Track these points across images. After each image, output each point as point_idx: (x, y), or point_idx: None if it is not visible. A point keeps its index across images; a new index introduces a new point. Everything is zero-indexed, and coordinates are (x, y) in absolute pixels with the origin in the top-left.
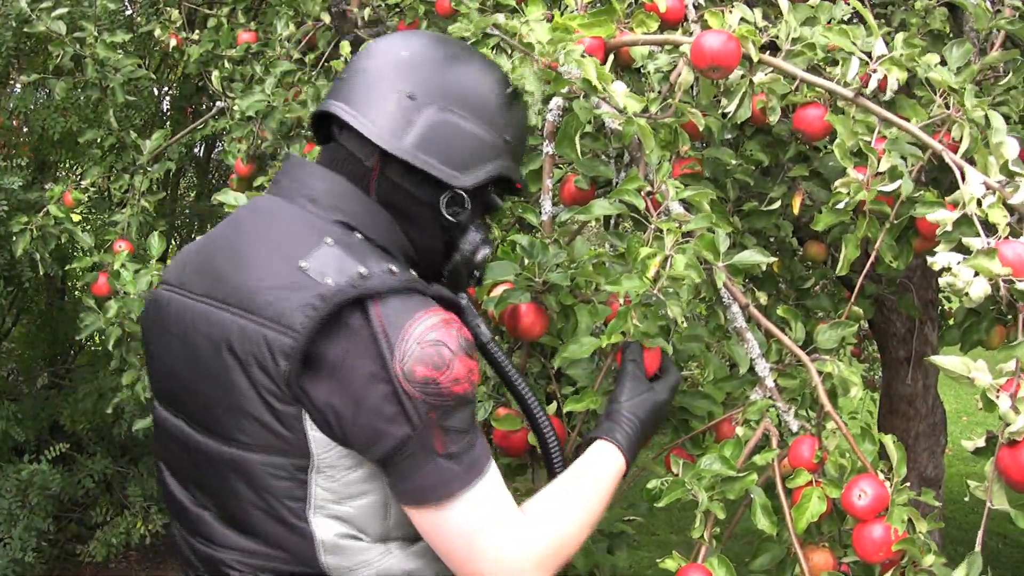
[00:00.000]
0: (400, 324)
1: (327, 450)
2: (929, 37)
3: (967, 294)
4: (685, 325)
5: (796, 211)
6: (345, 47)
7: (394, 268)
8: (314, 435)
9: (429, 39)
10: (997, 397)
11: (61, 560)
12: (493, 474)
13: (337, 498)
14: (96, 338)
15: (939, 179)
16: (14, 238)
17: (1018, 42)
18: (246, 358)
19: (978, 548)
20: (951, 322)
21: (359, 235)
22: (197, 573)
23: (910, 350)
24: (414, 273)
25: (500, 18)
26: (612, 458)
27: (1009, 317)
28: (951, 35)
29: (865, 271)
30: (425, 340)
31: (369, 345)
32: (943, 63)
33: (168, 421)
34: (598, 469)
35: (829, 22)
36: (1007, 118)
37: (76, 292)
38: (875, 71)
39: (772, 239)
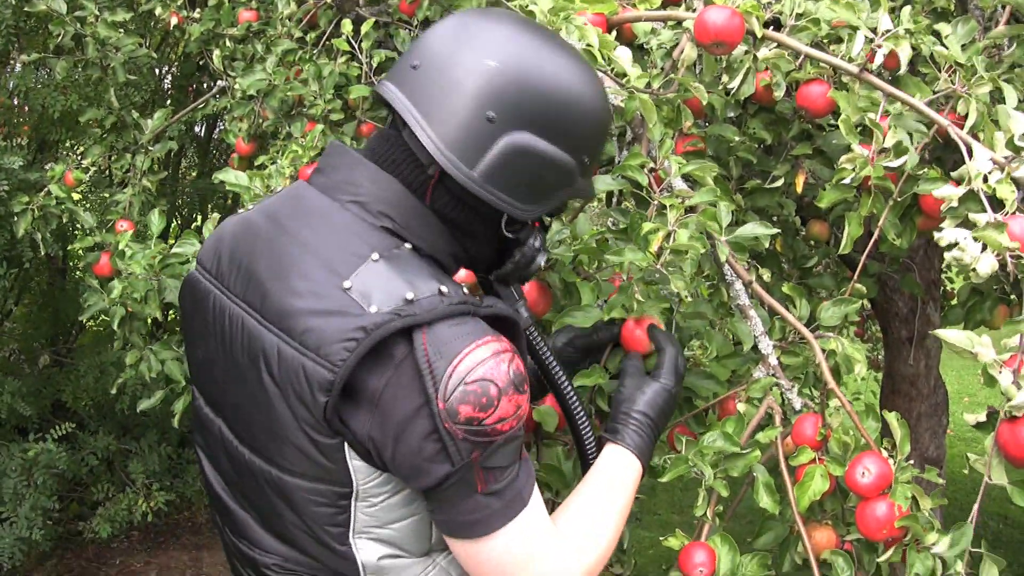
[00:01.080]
0: (448, 357)
1: (369, 478)
2: (933, 15)
3: (974, 269)
4: (688, 299)
5: (799, 189)
6: (347, 25)
7: (444, 288)
8: (355, 464)
9: (519, 40)
10: (999, 372)
11: (64, 539)
12: (535, 501)
13: (380, 523)
14: (94, 321)
15: (943, 158)
16: (15, 218)
17: (1022, 17)
18: (285, 386)
19: (971, 521)
20: (954, 302)
21: (408, 245)
22: (241, 566)
23: (912, 330)
24: (465, 291)
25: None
26: (629, 462)
27: (1012, 297)
28: (955, 12)
29: (868, 250)
30: (471, 379)
31: (413, 378)
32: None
33: (208, 417)
34: (619, 477)
35: None
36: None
37: (77, 272)
38: (880, 47)
39: (775, 217)
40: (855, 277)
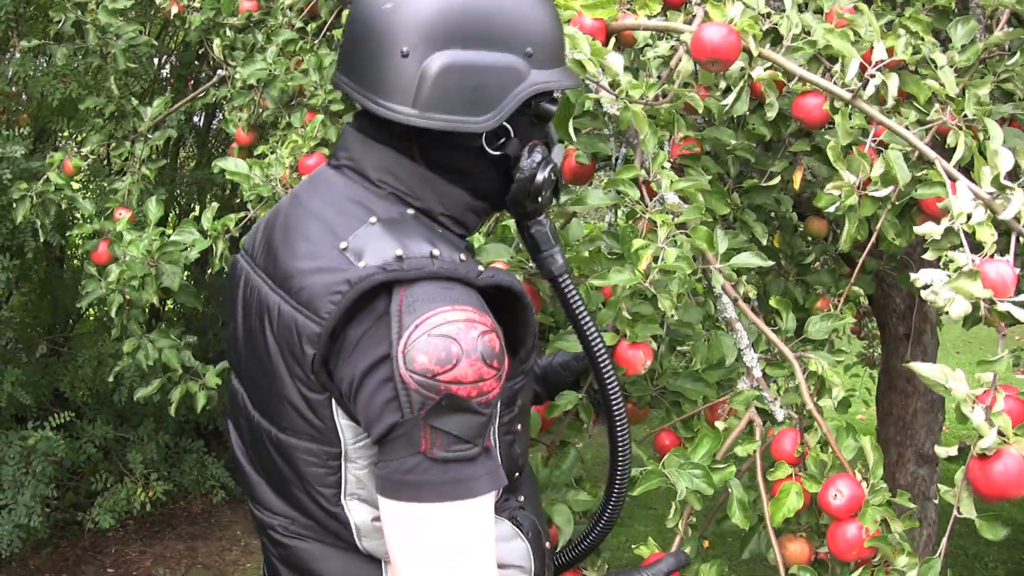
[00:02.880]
0: (420, 311)
1: (357, 439)
2: (934, 13)
3: (947, 312)
4: (676, 317)
5: (797, 186)
6: (347, 15)
7: (437, 252)
8: (343, 423)
9: None
10: (972, 409)
11: (60, 528)
12: (483, 516)
13: (369, 485)
14: (93, 310)
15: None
16: (14, 205)
17: None
18: (282, 343)
19: (940, 555)
20: None
21: (411, 209)
22: (260, 533)
23: (909, 327)
24: (461, 257)
25: None
26: None
27: None
28: (956, 11)
29: (868, 248)
30: (436, 332)
31: (385, 328)
32: (947, 43)
33: (234, 387)
34: None
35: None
36: (1011, 95)
37: (76, 260)
38: (873, 76)
39: (772, 214)
40: (853, 277)
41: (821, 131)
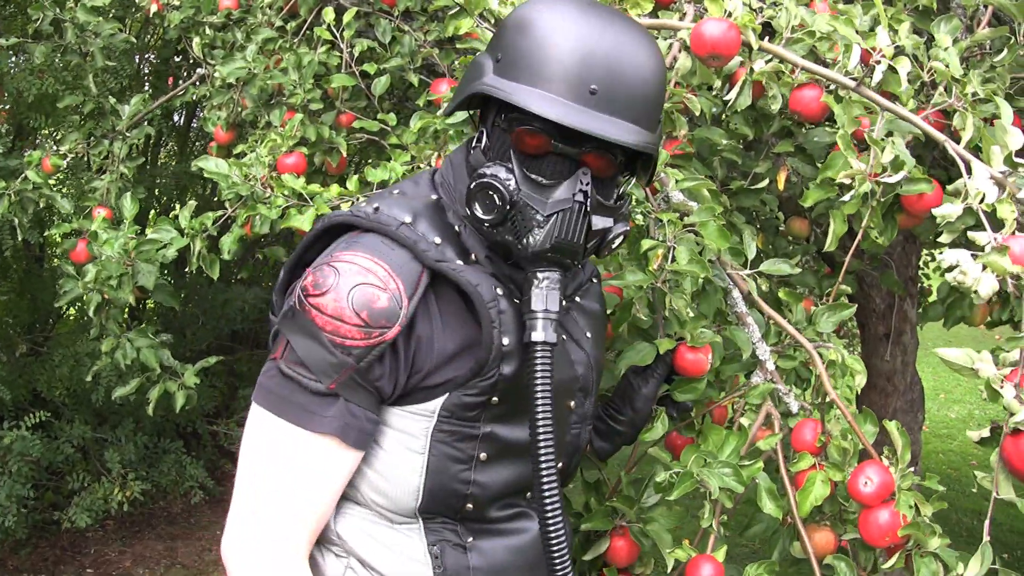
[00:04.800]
0: (347, 248)
1: None
2: (915, 13)
3: (976, 291)
4: (691, 315)
5: (781, 187)
6: (328, 14)
7: (409, 220)
8: None
9: None
10: (1002, 387)
11: (39, 528)
12: (315, 452)
13: None
14: (73, 309)
15: (923, 156)
16: None
17: (1005, 19)
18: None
19: (986, 538)
20: (932, 299)
21: (435, 195)
22: None
23: (889, 326)
24: (436, 241)
25: (493, 3)
26: None
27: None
28: (937, 11)
29: (853, 248)
30: (334, 263)
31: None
32: (930, 43)
33: None
34: None
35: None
36: (994, 94)
37: (55, 259)
38: (879, 62)
39: (755, 214)
40: (840, 277)
41: (803, 131)
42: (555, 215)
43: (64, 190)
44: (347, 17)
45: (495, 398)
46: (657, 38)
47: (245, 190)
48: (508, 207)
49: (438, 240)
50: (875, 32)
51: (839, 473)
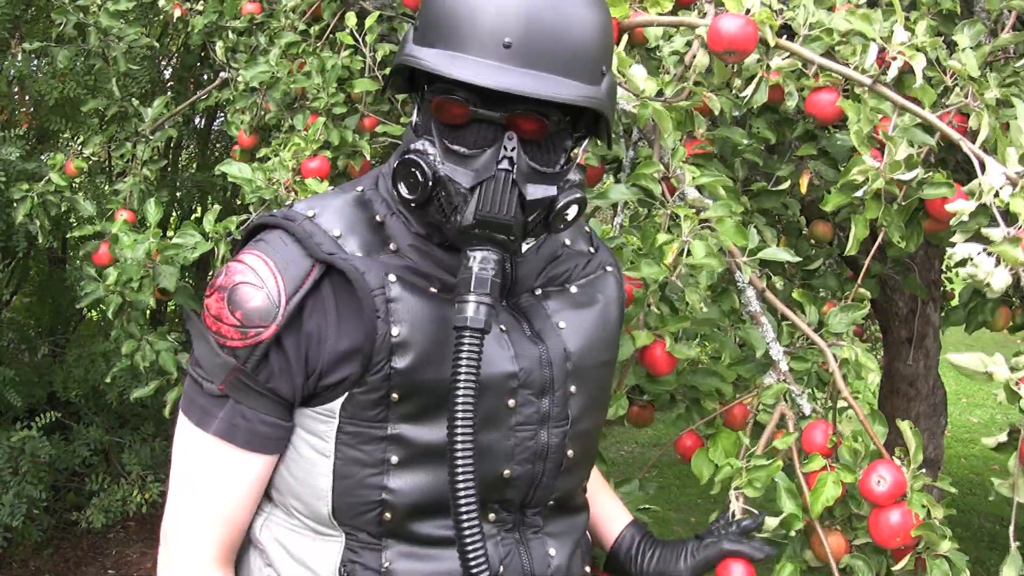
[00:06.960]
0: (249, 246)
1: None
2: (939, 17)
3: (988, 284)
4: (705, 310)
5: (804, 191)
6: (351, 18)
7: (311, 214)
8: None
9: None
10: (1019, 387)
11: (60, 530)
12: (210, 453)
13: None
14: (94, 312)
15: (946, 159)
16: (14, 205)
17: None
18: None
19: (1013, 545)
20: (954, 303)
21: (362, 187)
22: None
23: (912, 330)
24: (336, 234)
25: None
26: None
27: (1015, 300)
28: (960, 15)
29: (872, 252)
30: (230, 260)
31: None
32: (953, 47)
33: None
34: None
35: (849, 2)
36: (1011, 96)
37: (77, 261)
38: (895, 58)
39: (779, 218)
40: (859, 280)
41: (827, 134)
42: (478, 186)
43: (83, 193)
44: (369, 21)
45: (395, 395)
46: (677, 34)
47: (269, 194)
48: (431, 183)
49: (338, 232)
50: (892, 31)
51: (850, 475)
